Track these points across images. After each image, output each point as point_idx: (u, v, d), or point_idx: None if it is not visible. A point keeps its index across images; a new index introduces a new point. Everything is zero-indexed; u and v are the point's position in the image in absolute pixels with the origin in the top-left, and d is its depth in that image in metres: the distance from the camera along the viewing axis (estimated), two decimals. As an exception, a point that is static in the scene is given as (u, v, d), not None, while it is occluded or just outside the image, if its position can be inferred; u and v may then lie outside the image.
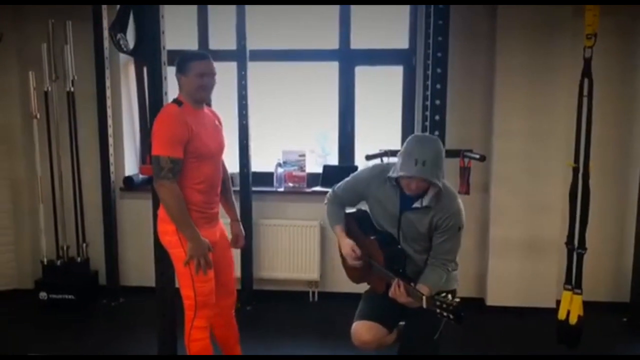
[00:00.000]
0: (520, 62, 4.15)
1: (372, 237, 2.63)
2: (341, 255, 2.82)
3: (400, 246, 2.58)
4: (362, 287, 2.83)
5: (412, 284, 2.36)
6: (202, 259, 2.64)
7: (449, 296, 2.10)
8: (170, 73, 2.76)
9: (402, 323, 2.67)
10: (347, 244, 2.72)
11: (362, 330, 2.56)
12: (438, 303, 2.11)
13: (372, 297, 2.70)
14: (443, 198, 2.49)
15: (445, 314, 2.08)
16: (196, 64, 2.65)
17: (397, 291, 2.34)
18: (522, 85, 4.18)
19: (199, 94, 2.68)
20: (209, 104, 2.93)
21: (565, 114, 4.02)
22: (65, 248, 4.54)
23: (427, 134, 2.95)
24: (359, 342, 2.57)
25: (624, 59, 4.22)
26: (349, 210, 2.89)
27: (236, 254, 4.18)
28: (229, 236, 3.08)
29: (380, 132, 4.75)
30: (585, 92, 3.07)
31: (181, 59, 2.68)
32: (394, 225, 2.59)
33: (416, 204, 2.49)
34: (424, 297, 2.20)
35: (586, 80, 3.06)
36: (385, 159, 2.71)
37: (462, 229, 2.51)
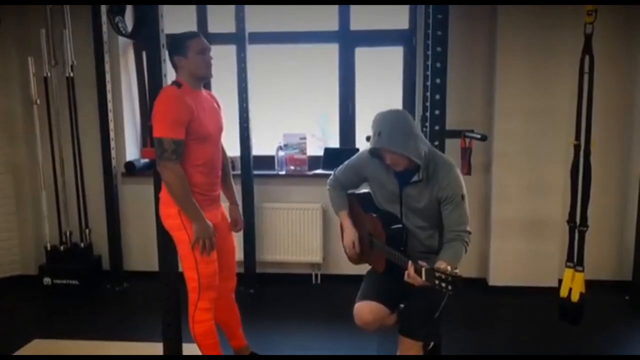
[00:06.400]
0: (522, 41, 4.13)
1: (374, 216, 2.63)
2: (342, 237, 2.83)
3: (401, 225, 2.59)
4: (365, 269, 2.84)
5: (415, 261, 2.35)
6: (208, 240, 2.65)
7: (448, 267, 2.10)
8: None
9: (402, 305, 2.68)
10: (350, 236, 2.75)
11: (364, 310, 2.57)
12: (437, 274, 2.11)
13: (374, 277, 2.70)
14: (439, 170, 2.48)
15: (443, 284, 2.09)
16: (194, 42, 2.65)
17: (408, 274, 2.33)
18: (523, 65, 4.16)
19: (203, 72, 2.69)
20: (207, 87, 2.92)
21: (566, 93, 4.01)
22: (68, 234, 4.55)
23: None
24: (361, 323, 2.57)
25: (625, 34, 4.20)
26: (352, 191, 2.89)
27: (239, 237, 4.20)
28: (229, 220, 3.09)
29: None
30: (586, 69, 3.04)
31: (175, 41, 2.67)
32: (396, 203, 2.59)
33: (414, 178, 2.49)
34: (423, 270, 2.21)
35: (587, 57, 3.03)
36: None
37: (465, 197, 2.50)
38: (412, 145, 2.41)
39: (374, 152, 2.57)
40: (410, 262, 2.32)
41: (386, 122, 2.45)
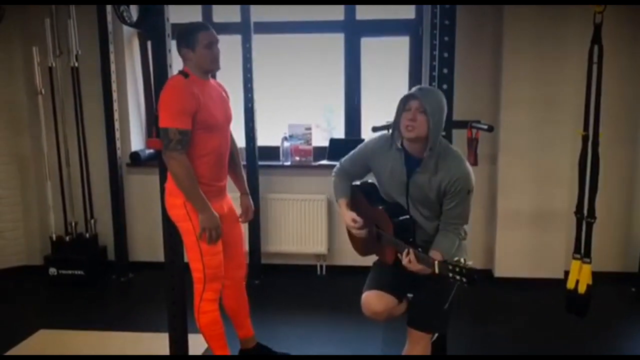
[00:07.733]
0: (529, 31, 4.10)
1: (380, 208, 2.61)
2: (347, 228, 2.82)
3: (409, 215, 2.56)
4: (370, 260, 2.82)
5: (420, 250, 2.34)
6: (214, 230, 2.64)
7: (462, 260, 2.09)
8: (174, 46, 2.73)
9: (410, 295, 2.67)
10: (348, 216, 2.72)
11: (373, 300, 2.55)
12: (450, 267, 2.09)
13: (382, 267, 2.68)
14: (449, 162, 2.43)
15: (458, 277, 2.07)
16: (203, 35, 2.62)
17: (408, 259, 2.32)
18: (530, 56, 4.13)
19: (212, 65, 2.67)
20: (214, 76, 2.90)
21: (573, 84, 3.98)
22: (73, 224, 4.56)
23: None
24: (370, 312, 2.56)
25: (631, 31, 4.17)
26: (356, 183, 2.87)
27: (244, 228, 4.21)
28: (238, 210, 3.08)
29: (387, 104, 4.69)
30: (595, 59, 3.01)
31: (185, 32, 2.64)
32: (402, 192, 2.56)
33: (420, 166, 2.46)
34: (436, 262, 2.19)
35: (596, 47, 3.00)
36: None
37: (472, 192, 2.47)
38: (439, 118, 2.38)
39: (402, 104, 2.43)
40: (410, 248, 2.31)
41: (426, 87, 2.52)
